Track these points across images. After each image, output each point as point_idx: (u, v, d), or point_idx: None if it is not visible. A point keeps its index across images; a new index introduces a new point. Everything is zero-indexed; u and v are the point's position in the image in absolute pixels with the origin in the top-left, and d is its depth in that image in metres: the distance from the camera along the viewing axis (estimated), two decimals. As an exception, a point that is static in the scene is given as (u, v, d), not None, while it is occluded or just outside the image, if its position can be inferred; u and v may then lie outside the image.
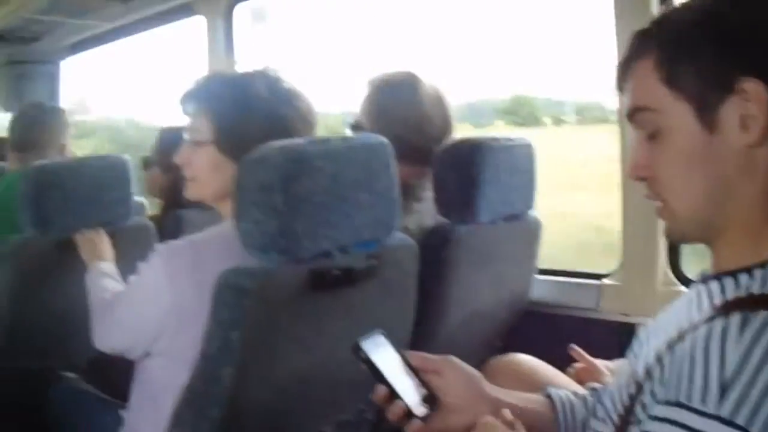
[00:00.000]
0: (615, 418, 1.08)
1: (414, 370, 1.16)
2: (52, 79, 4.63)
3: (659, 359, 0.93)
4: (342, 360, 1.50)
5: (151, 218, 2.95)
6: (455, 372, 1.19)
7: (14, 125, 2.73)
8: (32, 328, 2.38)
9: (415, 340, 1.78)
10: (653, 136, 0.98)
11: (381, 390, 1.14)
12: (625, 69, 1.01)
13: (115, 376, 1.92)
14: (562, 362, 1.69)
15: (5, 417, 2.42)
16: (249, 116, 1.71)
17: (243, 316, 1.42)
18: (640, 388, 0.96)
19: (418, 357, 1.19)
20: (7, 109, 4.51)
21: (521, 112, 5.98)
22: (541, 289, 2.39)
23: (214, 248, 1.63)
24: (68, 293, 2.26)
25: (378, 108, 2.16)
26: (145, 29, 3.95)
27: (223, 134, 1.73)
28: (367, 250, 1.61)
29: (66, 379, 2.23)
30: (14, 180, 2.50)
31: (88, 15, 3.65)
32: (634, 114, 1.00)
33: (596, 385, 1.32)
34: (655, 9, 2.03)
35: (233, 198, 1.49)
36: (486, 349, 2.19)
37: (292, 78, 1.77)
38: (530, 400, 1.26)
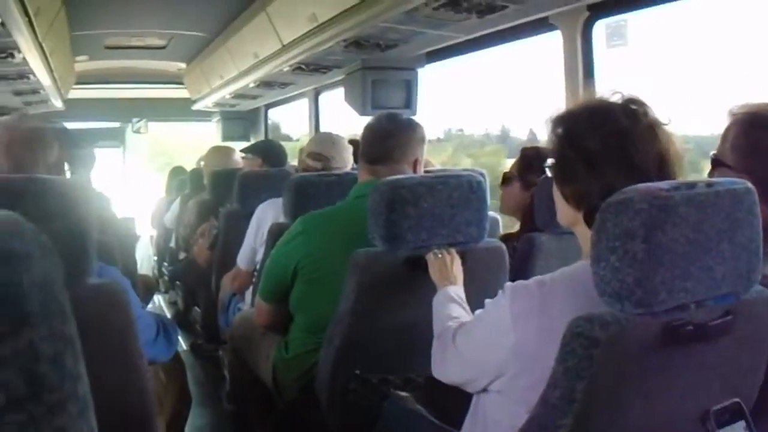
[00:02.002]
0: None
1: None
2: (409, 87, 4.78)
3: None
4: (685, 417, 1.43)
5: (506, 237, 2.96)
6: None
7: (367, 135, 2.75)
8: (372, 341, 2.46)
9: (762, 401, 1.66)
10: None
11: None
12: None
13: (450, 401, 1.94)
14: None
15: (342, 423, 2.53)
16: (569, 149, 1.67)
17: (590, 367, 1.37)
18: None
19: None
20: (361, 114, 4.73)
21: None
22: None
23: (563, 292, 1.60)
24: (412, 311, 2.33)
25: (749, 143, 1.96)
26: (500, 42, 4.01)
27: (555, 162, 1.72)
28: (724, 304, 1.50)
29: (400, 397, 2.26)
30: (364, 191, 2.54)
31: (443, 26, 3.72)
32: None
33: None
34: None
35: (591, 241, 1.44)
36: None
37: (655, 109, 1.68)
38: None
